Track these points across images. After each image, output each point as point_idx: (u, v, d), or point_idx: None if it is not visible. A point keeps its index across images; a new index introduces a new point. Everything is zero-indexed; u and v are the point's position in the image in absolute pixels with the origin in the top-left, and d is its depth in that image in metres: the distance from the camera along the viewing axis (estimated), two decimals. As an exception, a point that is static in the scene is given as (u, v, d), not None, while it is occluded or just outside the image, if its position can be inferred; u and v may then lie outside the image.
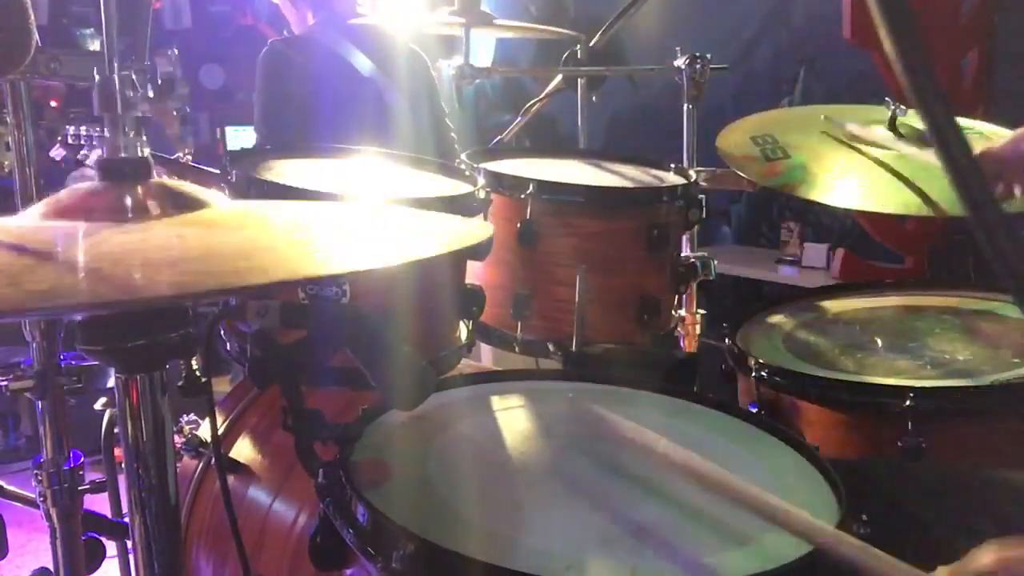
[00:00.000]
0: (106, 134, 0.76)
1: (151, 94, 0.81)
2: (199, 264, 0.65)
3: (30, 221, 0.73)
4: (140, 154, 0.77)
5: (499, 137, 2.38)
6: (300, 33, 2.54)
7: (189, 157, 2.11)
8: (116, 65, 0.76)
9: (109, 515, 1.55)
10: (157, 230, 0.71)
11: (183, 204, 0.76)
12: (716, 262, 1.62)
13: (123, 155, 0.76)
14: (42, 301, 0.57)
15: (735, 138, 1.66)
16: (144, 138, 0.78)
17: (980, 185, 0.47)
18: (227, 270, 0.63)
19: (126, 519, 0.87)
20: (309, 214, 0.86)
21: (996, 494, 1.09)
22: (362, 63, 2.38)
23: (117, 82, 0.76)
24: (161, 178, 0.78)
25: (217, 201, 0.79)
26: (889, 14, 0.45)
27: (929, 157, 1.38)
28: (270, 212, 0.86)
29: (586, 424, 1.10)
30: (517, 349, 1.50)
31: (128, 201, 0.74)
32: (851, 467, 1.06)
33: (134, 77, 0.76)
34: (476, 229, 0.86)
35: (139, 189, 0.75)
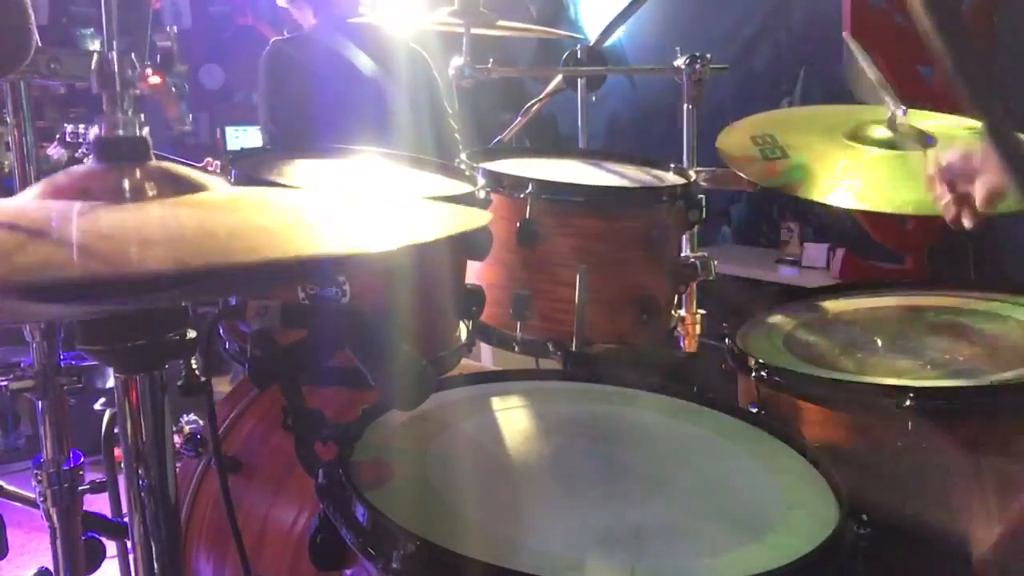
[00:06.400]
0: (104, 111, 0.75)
1: (150, 70, 0.80)
2: (195, 242, 0.64)
3: (25, 201, 0.72)
4: (138, 133, 0.76)
5: (499, 137, 2.38)
6: (301, 33, 2.54)
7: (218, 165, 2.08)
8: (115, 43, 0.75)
9: (109, 515, 1.55)
10: (154, 210, 0.70)
11: (181, 187, 0.75)
12: (716, 262, 1.62)
13: (120, 133, 0.75)
14: (31, 274, 0.56)
15: (735, 138, 1.66)
16: (142, 117, 0.77)
17: None
18: (223, 248, 0.62)
19: (126, 519, 0.87)
20: (307, 201, 0.85)
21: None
22: (363, 62, 2.38)
23: (115, 60, 0.74)
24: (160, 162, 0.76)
25: (215, 185, 0.77)
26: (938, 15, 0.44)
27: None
28: (268, 197, 0.86)
29: (586, 424, 1.10)
30: (517, 349, 1.50)
31: (125, 182, 0.72)
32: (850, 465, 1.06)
33: (133, 56, 0.75)
34: (473, 216, 0.85)
35: (136, 171, 0.74)
